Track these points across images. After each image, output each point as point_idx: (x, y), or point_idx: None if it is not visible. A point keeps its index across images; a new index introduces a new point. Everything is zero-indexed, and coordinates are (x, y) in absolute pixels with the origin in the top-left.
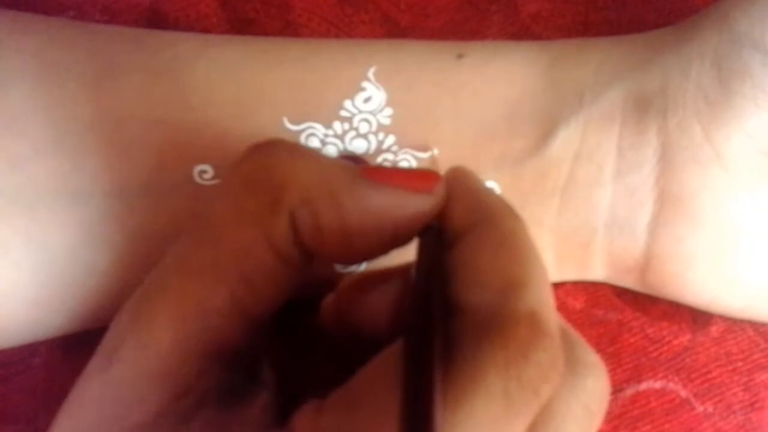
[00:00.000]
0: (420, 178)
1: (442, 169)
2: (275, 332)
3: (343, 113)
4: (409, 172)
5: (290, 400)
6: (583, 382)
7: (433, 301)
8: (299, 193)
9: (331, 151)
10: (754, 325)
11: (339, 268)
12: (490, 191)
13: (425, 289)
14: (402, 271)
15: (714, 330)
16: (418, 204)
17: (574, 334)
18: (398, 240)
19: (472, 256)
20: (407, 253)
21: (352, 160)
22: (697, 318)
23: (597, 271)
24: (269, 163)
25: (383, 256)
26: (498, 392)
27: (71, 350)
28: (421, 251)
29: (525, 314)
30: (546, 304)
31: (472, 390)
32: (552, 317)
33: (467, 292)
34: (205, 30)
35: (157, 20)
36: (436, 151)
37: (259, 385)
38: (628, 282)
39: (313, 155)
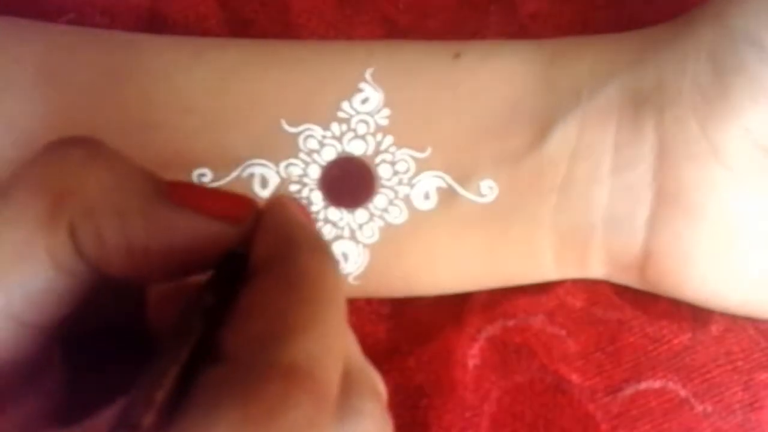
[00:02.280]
0: (231, 203)
1: (441, 169)
2: (78, 339)
3: (341, 114)
4: (219, 196)
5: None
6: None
7: (183, 339)
8: (81, 203)
9: (330, 152)
10: (755, 324)
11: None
12: (303, 225)
13: (180, 329)
14: (186, 290)
15: (714, 329)
16: (219, 231)
17: (367, 376)
18: (194, 263)
19: (252, 298)
20: None
21: (352, 161)
22: (697, 317)
23: (596, 269)
24: (58, 166)
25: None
26: None
27: None
28: (209, 279)
29: (283, 368)
30: (319, 356)
31: None
32: (323, 369)
33: (232, 337)
34: (205, 31)
35: (156, 21)
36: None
37: (37, 392)
38: (628, 279)
39: (110, 162)
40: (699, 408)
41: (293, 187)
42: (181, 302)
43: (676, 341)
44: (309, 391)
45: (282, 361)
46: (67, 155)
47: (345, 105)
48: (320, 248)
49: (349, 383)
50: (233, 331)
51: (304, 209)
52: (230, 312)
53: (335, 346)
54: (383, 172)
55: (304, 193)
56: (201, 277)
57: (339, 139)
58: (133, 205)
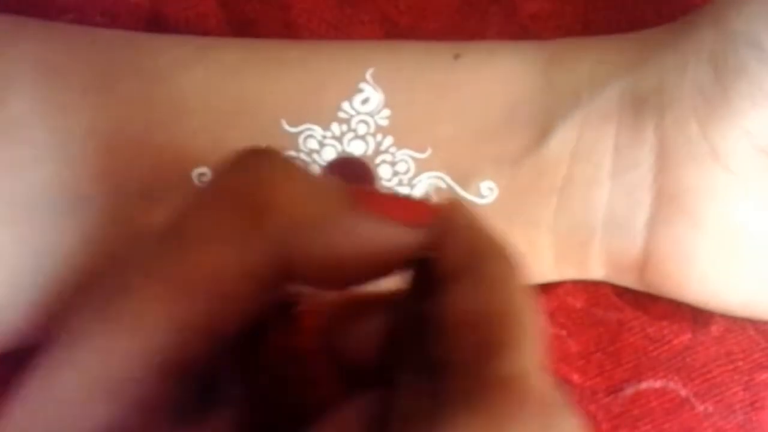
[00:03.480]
0: (414, 210)
1: (441, 169)
2: (247, 348)
3: (341, 115)
4: (403, 203)
5: (264, 416)
6: None
7: (414, 352)
8: (284, 217)
9: (330, 152)
10: (755, 325)
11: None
12: (483, 229)
13: (405, 338)
14: (388, 300)
15: (714, 329)
16: (408, 238)
17: (557, 392)
18: (383, 271)
19: (455, 308)
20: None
21: (352, 162)
22: (697, 317)
23: (596, 270)
24: (257, 178)
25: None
26: None
27: None
28: (411, 288)
29: (505, 380)
30: (531, 367)
31: None
32: (537, 381)
33: (449, 346)
34: (205, 31)
35: (157, 21)
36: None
37: (222, 402)
38: (628, 281)
39: (303, 174)
40: (700, 408)
41: None
42: (359, 317)
43: (676, 341)
44: (530, 404)
45: (500, 374)
46: (263, 168)
47: (345, 105)
48: (508, 255)
49: (548, 398)
50: (448, 341)
51: (474, 214)
52: (436, 318)
53: (540, 356)
54: (383, 172)
55: None
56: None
57: (339, 139)
58: (332, 216)
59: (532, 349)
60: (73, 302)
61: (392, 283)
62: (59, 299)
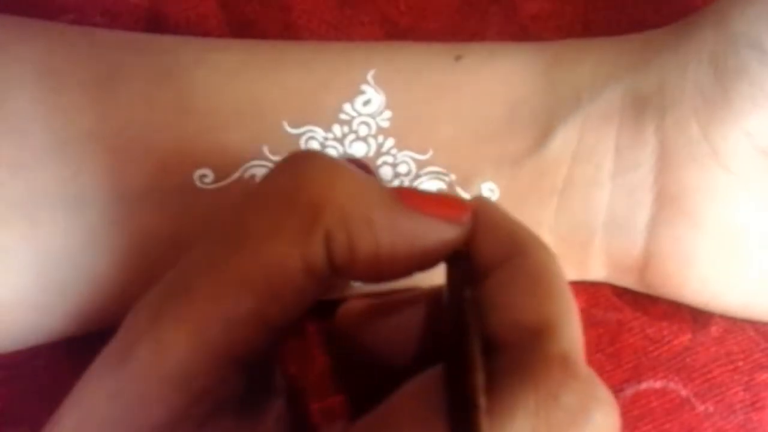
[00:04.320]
0: (451, 206)
1: (442, 170)
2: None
3: (342, 116)
4: (440, 200)
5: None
6: (593, 416)
7: (472, 332)
8: (336, 214)
9: (332, 154)
10: (755, 325)
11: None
12: (519, 223)
13: (464, 320)
14: (425, 296)
15: (714, 330)
16: (448, 233)
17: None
18: (424, 265)
19: (504, 293)
20: (430, 276)
21: (353, 163)
22: (697, 318)
23: (597, 271)
24: (308, 178)
25: (406, 278)
26: None
27: (74, 353)
28: (452, 279)
29: (557, 356)
30: (577, 345)
31: (501, 430)
32: (581, 358)
33: (501, 330)
34: (205, 32)
35: (157, 22)
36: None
37: (272, 394)
38: (628, 282)
39: (351, 173)
40: (700, 408)
41: None
42: (396, 313)
43: (676, 342)
44: (579, 377)
45: (554, 350)
46: (312, 169)
47: (347, 107)
48: (544, 244)
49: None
50: (499, 325)
51: (502, 209)
52: (479, 306)
53: (581, 337)
54: (385, 173)
55: None
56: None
57: (341, 140)
58: (379, 213)
59: (575, 330)
60: (130, 301)
61: (427, 277)
62: (60, 299)
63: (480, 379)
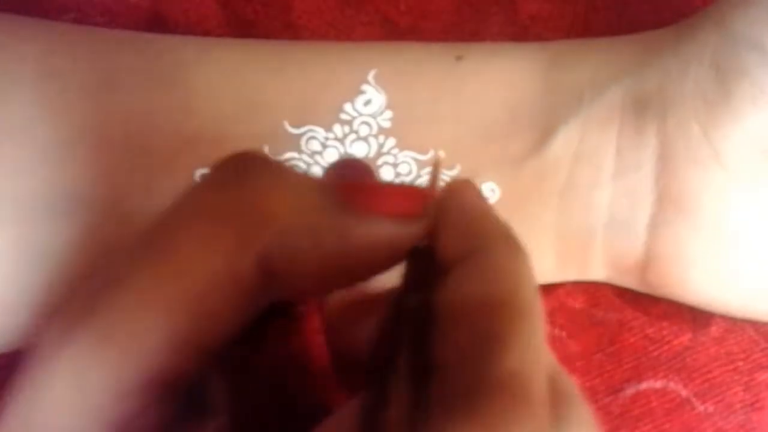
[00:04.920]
0: (407, 198)
1: (445, 168)
2: (231, 356)
3: (343, 116)
4: (395, 193)
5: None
6: None
7: (398, 353)
8: (275, 229)
9: (332, 154)
10: (755, 325)
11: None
12: (489, 212)
13: (393, 337)
14: (387, 296)
15: (714, 330)
16: (404, 231)
17: (565, 381)
18: (381, 268)
19: (453, 299)
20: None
21: (353, 163)
22: (697, 318)
23: (597, 272)
24: (244, 187)
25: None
26: None
27: None
28: (405, 281)
29: (506, 378)
30: (532, 361)
31: None
32: (538, 377)
33: (444, 344)
34: (206, 31)
35: (157, 21)
36: (441, 153)
37: (210, 411)
38: (629, 282)
39: (292, 179)
40: (700, 408)
41: None
42: (360, 318)
43: (676, 342)
44: (532, 402)
45: (498, 373)
46: (250, 174)
47: (347, 107)
48: (512, 240)
49: (554, 390)
50: (443, 338)
51: (483, 195)
52: (433, 312)
53: (542, 352)
54: (385, 173)
55: None
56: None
57: (341, 140)
58: (323, 222)
59: (535, 343)
60: (53, 312)
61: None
62: (60, 299)
63: (397, 414)
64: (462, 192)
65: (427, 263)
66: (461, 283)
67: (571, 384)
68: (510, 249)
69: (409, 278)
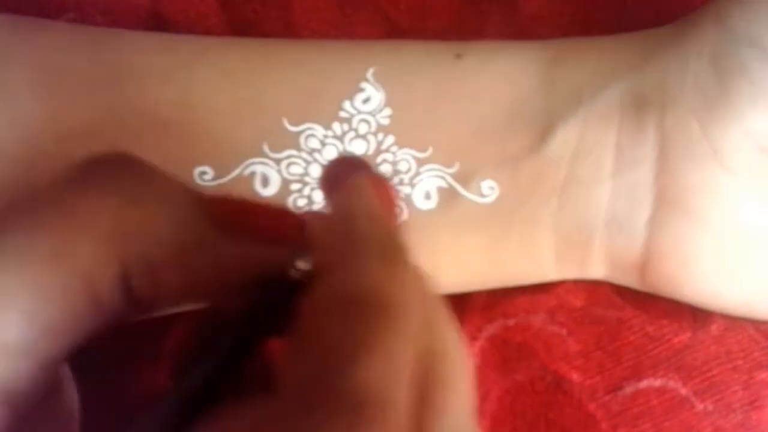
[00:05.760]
0: (281, 220)
1: (441, 168)
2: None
3: (342, 114)
4: (271, 213)
5: None
6: None
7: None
8: (136, 248)
9: (331, 151)
10: (755, 324)
11: None
12: (372, 217)
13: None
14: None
15: (714, 328)
16: (271, 254)
17: (444, 360)
18: (247, 289)
19: (304, 315)
20: None
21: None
22: (697, 316)
23: (597, 270)
24: (108, 196)
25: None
26: None
27: None
28: (260, 301)
29: (349, 395)
30: (389, 371)
31: None
32: (391, 394)
33: (289, 357)
34: (206, 30)
35: (157, 21)
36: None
37: (62, 422)
38: (628, 280)
39: (163, 191)
40: (699, 406)
41: (294, 186)
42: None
43: (676, 340)
44: (378, 420)
45: (344, 389)
46: (112, 183)
47: (346, 104)
48: (389, 248)
49: (427, 383)
50: (290, 352)
51: (386, 189)
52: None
53: (402, 363)
54: (384, 171)
55: (306, 191)
56: None
57: (340, 138)
58: (189, 241)
59: (392, 356)
60: None
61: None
62: None
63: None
64: (354, 190)
65: (282, 294)
66: (319, 298)
67: (453, 359)
68: (383, 257)
69: (258, 305)
